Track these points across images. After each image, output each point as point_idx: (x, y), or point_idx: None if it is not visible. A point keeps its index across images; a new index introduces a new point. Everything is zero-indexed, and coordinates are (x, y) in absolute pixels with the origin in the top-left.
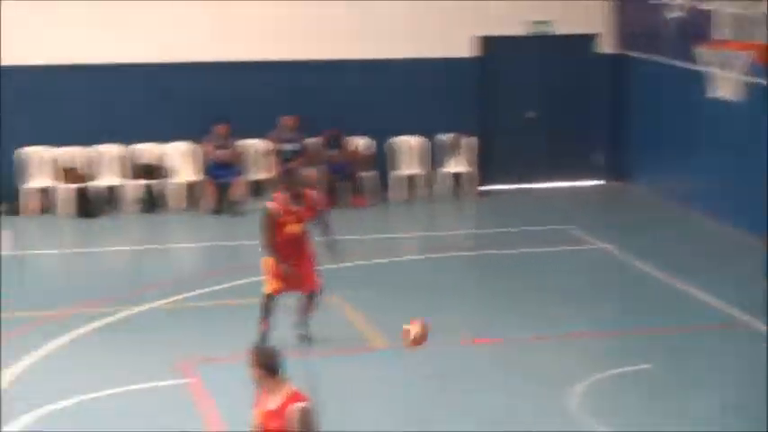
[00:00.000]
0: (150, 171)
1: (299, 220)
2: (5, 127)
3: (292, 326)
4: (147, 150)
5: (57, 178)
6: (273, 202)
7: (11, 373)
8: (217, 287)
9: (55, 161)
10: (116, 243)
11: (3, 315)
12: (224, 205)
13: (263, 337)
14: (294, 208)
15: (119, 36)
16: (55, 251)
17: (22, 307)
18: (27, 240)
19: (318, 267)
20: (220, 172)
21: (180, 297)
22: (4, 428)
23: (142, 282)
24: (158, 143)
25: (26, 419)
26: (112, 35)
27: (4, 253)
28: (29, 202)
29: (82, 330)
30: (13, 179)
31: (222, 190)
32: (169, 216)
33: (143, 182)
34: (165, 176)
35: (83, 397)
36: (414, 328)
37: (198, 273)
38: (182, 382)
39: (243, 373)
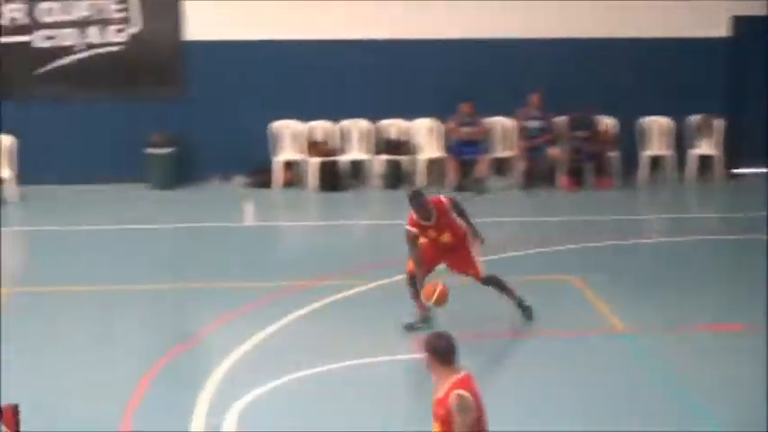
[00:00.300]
0: (396, 147)
1: (440, 231)
2: (261, 100)
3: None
4: (394, 126)
5: (305, 152)
6: (409, 224)
7: (252, 342)
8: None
9: (304, 135)
10: (359, 217)
11: (248, 284)
12: (468, 182)
13: (424, 318)
14: (427, 224)
15: (366, 13)
16: (300, 223)
17: (267, 277)
18: (274, 212)
19: (478, 256)
20: (465, 149)
21: None
22: (248, 395)
23: (383, 256)
24: (404, 119)
25: (264, 389)
26: (359, 13)
27: (248, 224)
28: (278, 175)
29: (322, 302)
30: (266, 152)
31: (466, 167)
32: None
33: (388, 157)
34: (411, 153)
35: (319, 368)
36: (435, 293)
37: None
38: (417, 356)
39: (471, 350)
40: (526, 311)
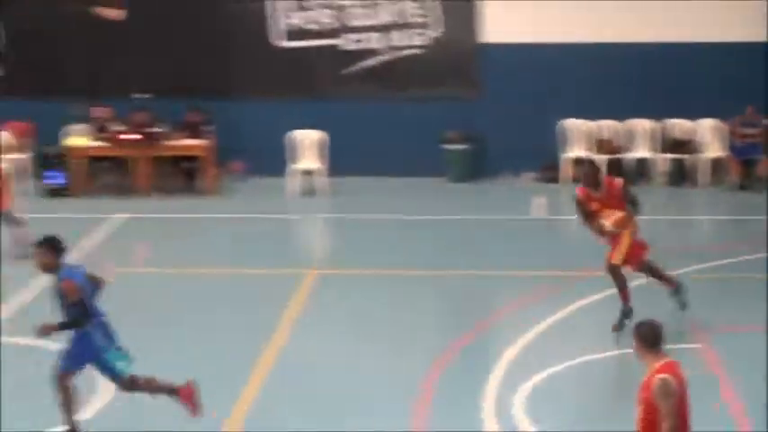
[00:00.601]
0: (680, 146)
1: (605, 206)
2: (550, 100)
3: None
4: (678, 125)
5: (593, 149)
6: (578, 192)
7: (535, 330)
8: (730, 260)
9: (592, 133)
10: (642, 213)
11: (532, 274)
12: (750, 182)
13: (626, 312)
14: (595, 195)
15: (650, 15)
16: None
17: (549, 267)
18: (561, 207)
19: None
20: (747, 150)
21: (693, 268)
22: (534, 379)
23: (657, 251)
24: (688, 119)
25: (537, 378)
26: (638, 15)
27: (537, 216)
28: (566, 171)
29: (596, 296)
30: (555, 149)
31: (748, 167)
32: (695, 190)
33: (672, 156)
34: (694, 152)
35: (588, 357)
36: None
37: (715, 244)
38: (693, 347)
39: (757, 343)
40: (624, 319)
